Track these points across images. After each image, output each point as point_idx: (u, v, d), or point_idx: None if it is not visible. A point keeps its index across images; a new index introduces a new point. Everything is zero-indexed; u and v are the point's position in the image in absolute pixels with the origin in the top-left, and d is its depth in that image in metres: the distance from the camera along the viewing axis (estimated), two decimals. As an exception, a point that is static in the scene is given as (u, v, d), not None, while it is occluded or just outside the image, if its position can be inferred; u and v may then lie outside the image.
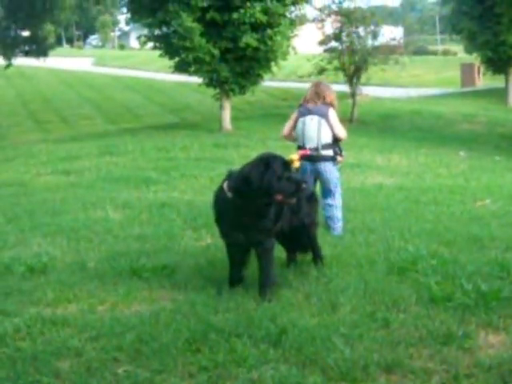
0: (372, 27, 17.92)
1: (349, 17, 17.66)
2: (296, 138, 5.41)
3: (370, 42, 17.92)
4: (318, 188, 5.36)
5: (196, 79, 16.32)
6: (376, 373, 2.77)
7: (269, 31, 14.50)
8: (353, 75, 17.75)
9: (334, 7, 18.19)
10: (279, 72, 16.93)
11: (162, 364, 2.87)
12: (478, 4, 21.11)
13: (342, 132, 5.35)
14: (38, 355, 2.97)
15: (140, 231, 5.51)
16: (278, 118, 15.64)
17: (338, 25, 17.78)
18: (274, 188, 3.56)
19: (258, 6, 14.17)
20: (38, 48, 21.34)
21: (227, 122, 15.80)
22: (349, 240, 5.00)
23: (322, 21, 18.12)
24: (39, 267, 4.40)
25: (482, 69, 25.83)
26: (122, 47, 59.12)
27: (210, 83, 15.45)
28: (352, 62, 17.54)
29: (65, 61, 38.35)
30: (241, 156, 10.21)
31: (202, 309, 3.48)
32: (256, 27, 14.47)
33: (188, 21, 13.93)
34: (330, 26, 18.07)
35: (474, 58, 24.28)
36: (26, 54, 21.57)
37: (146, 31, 16.13)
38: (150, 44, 16.63)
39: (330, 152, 5.30)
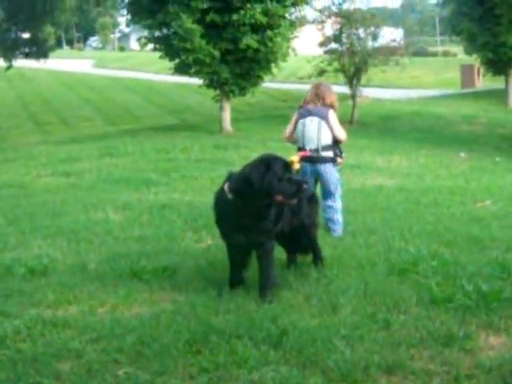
0: (372, 29, 17.93)
1: (349, 18, 17.68)
2: (296, 139, 5.41)
3: (370, 44, 17.93)
4: (318, 189, 5.36)
5: (196, 81, 16.34)
6: (377, 374, 2.77)
7: (269, 32, 14.51)
8: (353, 77, 17.76)
9: (334, 9, 18.22)
10: (279, 73, 16.96)
11: (163, 366, 2.87)
12: (477, 5, 21.11)
13: (341, 134, 5.35)
14: (39, 357, 2.97)
15: (140, 233, 5.51)
16: (278, 119, 15.66)
17: (338, 26, 17.79)
18: (274, 189, 3.56)
19: (258, 8, 14.19)
20: (39, 50, 21.37)
21: (227, 124, 15.81)
22: (349, 241, 5.00)
23: (322, 22, 18.14)
24: (40, 269, 4.39)
25: (481, 70, 25.84)
26: (122, 49, 59.20)
27: (210, 85, 15.47)
28: (352, 63, 17.55)
29: (65, 63, 38.39)
30: (241, 157, 10.22)
31: (203, 310, 3.47)
32: (256, 29, 14.48)
33: (188, 22, 13.94)
34: (330, 28, 18.09)
35: (474, 60, 24.28)
36: (27, 55, 21.59)
37: (146, 33, 16.16)
38: (150, 46, 16.66)
39: (330, 153, 5.30)
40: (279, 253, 4.22)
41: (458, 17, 22.42)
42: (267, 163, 3.60)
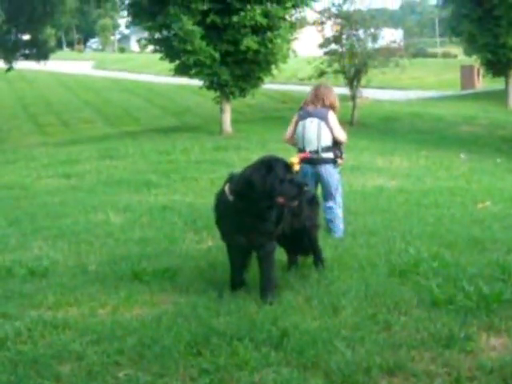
0: (372, 30, 17.94)
1: (349, 19, 17.69)
2: (296, 140, 5.42)
3: (370, 45, 17.93)
4: (318, 191, 5.36)
5: (196, 82, 16.35)
6: (378, 376, 2.77)
7: (269, 34, 14.52)
8: (353, 78, 17.76)
9: (333, 10, 18.23)
10: (280, 75, 16.96)
11: (164, 367, 2.87)
12: (477, 6, 21.12)
13: (341, 135, 5.35)
14: (39, 359, 2.96)
15: (141, 234, 5.51)
16: (279, 120, 15.67)
17: (338, 27, 17.80)
18: (276, 191, 3.56)
19: (258, 9, 14.20)
20: (39, 51, 21.38)
21: (227, 125, 15.81)
22: (350, 242, 5.00)
23: (322, 24, 18.15)
24: (40, 270, 4.40)
25: (481, 71, 25.85)
26: (122, 50, 59.25)
27: (210, 86, 15.48)
28: (352, 64, 17.56)
29: (65, 64, 38.42)
30: (241, 158, 10.22)
31: (204, 312, 3.47)
32: (256, 30, 14.49)
33: (188, 24, 13.95)
34: (330, 29, 18.09)
35: (474, 61, 24.29)
36: (27, 57, 21.60)
37: (146, 34, 16.18)
38: (151, 47, 16.68)
39: (330, 155, 5.30)
40: (280, 254, 4.22)
41: (457, 18, 22.42)
42: (269, 165, 3.60)
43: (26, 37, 22.07)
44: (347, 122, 15.48)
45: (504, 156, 13.09)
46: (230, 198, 3.66)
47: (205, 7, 14.20)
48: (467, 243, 4.91)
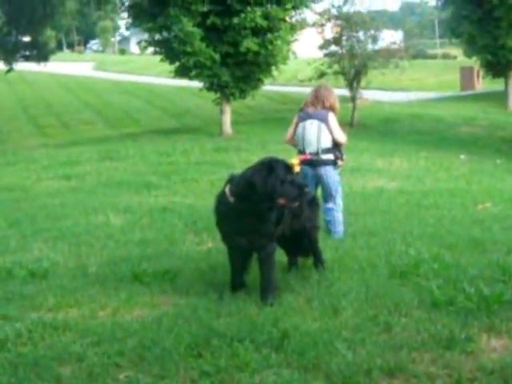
0: (372, 31, 17.95)
1: (349, 21, 17.70)
2: (296, 142, 5.42)
3: (369, 46, 17.94)
4: (318, 192, 5.37)
5: (196, 84, 16.35)
6: (379, 377, 2.77)
7: (269, 36, 14.53)
8: (353, 79, 17.77)
9: (333, 12, 18.24)
10: (280, 76, 16.97)
11: (164, 369, 2.86)
12: (477, 8, 21.13)
13: (341, 136, 5.36)
14: (40, 360, 2.96)
15: (141, 236, 5.51)
16: (279, 122, 15.67)
17: (338, 29, 17.81)
18: (277, 192, 3.56)
19: (258, 11, 14.21)
20: (39, 53, 21.39)
21: (228, 126, 15.82)
22: (350, 244, 5.00)
23: (322, 25, 18.16)
24: (40, 272, 4.39)
25: (481, 72, 25.86)
26: (122, 52, 59.28)
27: (210, 88, 15.48)
28: (352, 66, 17.57)
29: (65, 66, 38.44)
30: (241, 160, 10.23)
31: (204, 313, 3.47)
32: (256, 32, 14.50)
33: (188, 25, 13.97)
34: (330, 31, 18.10)
35: (474, 62, 24.30)
36: (27, 59, 21.61)
37: (146, 36, 16.18)
38: (151, 49, 16.69)
39: (330, 156, 5.31)
40: (280, 255, 4.22)
41: (457, 19, 22.42)
42: (269, 166, 3.60)
43: (27, 38, 22.09)
44: (347, 124, 15.48)
45: (504, 157, 13.09)
46: (231, 199, 3.66)
47: (205, 9, 14.22)
48: (467, 244, 4.91)
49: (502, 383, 2.71)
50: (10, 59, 20.91)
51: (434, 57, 43.40)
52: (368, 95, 19.39)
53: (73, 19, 43.50)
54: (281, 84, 24.78)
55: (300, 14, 16.12)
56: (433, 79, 30.50)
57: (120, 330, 3.29)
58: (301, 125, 5.32)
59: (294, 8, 15.52)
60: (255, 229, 3.67)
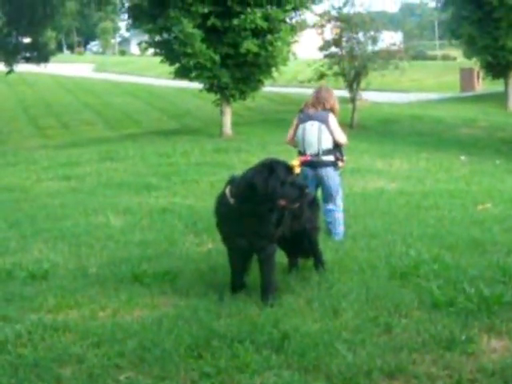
0: (372, 32, 17.96)
1: (349, 22, 17.71)
2: (297, 143, 5.43)
3: (369, 48, 17.95)
4: (319, 193, 5.37)
5: (197, 85, 16.36)
6: (379, 378, 2.77)
7: (269, 37, 14.54)
8: (353, 80, 17.77)
9: (333, 13, 18.25)
10: (280, 77, 16.98)
11: (164, 370, 2.86)
12: (477, 9, 21.13)
13: (342, 137, 5.37)
14: (40, 362, 2.96)
15: (141, 237, 5.51)
16: (279, 123, 15.68)
17: (338, 30, 17.83)
18: (277, 193, 3.56)
19: (258, 12, 14.22)
20: (39, 54, 21.38)
21: (228, 128, 15.82)
22: (350, 245, 5.00)
23: (322, 26, 18.17)
24: (40, 273, 4.39)
25: (481, 73, 25.87)
26: (122, 53, 59.29)
27: (210, 89, 15.49)
28: (352, 67, 17.58)
29: (65, 67, 38.44)
30: (241, 161, 10.23)
31: (204, 315, 3.47)
32: (256, 33, 14.50)
33: (189, 27, 13.97)
34: (330, 32, 18.12)
35: (474, 63, 24.30)
36: (27, 60, 21.60)
37: (146, 37, 16.18)
38: (151, 50, 16.67)
39: (330, 157, 5.31)
40: (280, 257, 4.22)
41: (457, 20, 22.44)
42: (270, 167, 3.60)
43: (27, 40, 22.08)
44: (347, 125, 15.48)
45: (503, 158, 13.09)
46: (231, 200, 3.66)
47: (205, 10, 14.22)
48: (468, 245, 4.91)
49: (503, 384, 2.71)
50: (10, 61, 20.91)
51: (433, 58, 43.42)
52: (368, 96, 19.40)
53: (73, 20, 43.58)
54: (281, 85, 24.79)
55: (300, 15, 16.13)
56: (433, 80, 30.52)
57: (120, 331, 3.29)
58: (301, 126, 5.33)
59: (294, 9, 15.53)
60: (255, 230, 3.67)
